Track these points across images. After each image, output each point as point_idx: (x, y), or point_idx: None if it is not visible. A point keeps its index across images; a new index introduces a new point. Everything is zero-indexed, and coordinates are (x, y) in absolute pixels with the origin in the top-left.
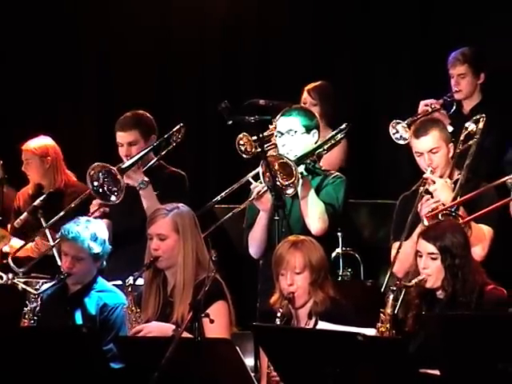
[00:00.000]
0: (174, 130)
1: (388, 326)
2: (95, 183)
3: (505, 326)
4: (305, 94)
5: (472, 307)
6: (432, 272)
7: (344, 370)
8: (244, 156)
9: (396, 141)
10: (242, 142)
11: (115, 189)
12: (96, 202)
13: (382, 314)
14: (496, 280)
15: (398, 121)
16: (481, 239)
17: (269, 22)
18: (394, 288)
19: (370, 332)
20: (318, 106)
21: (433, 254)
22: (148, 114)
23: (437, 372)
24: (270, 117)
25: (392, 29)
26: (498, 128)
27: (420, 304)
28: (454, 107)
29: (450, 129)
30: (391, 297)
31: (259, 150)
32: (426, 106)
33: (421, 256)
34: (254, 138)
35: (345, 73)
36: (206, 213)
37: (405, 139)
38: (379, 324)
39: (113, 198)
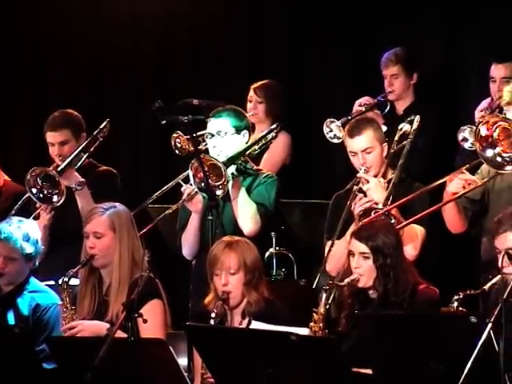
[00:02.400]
0: (102, 126)
1: (321, 325)
2: (34, 190)
3: (436, 325)
4: (251, 92)
5: (404, 306)
6: (364, 271)
7: (277, 369)
8: (178, 153)
9: (330, 140)
10: (178, 141)
11: (56, 191)
12: (44, 207)
13: (314, 314)
14: (429, 279)
15: (332, 120)
16: (413, 239)
17: (203, 21)
18: (327, 287)
19: (304, 332)
20: (263, 104)
21: (365, 253)
22: (76, 113)
23: (369, 371)
24: (204, 116)
25: (324, 29)
26: (431, 128)
27: (353, 303)
28: (388, 107)
29: (384, 128)
30: (324, 296)
31: (192, 149)
32: (360, 105)
33: (353, 255)
34: (188, 136)
35: (278, 72)
36: (140, 212)
37: (338, 138)
38: (312, 323)
39: (54, 198)
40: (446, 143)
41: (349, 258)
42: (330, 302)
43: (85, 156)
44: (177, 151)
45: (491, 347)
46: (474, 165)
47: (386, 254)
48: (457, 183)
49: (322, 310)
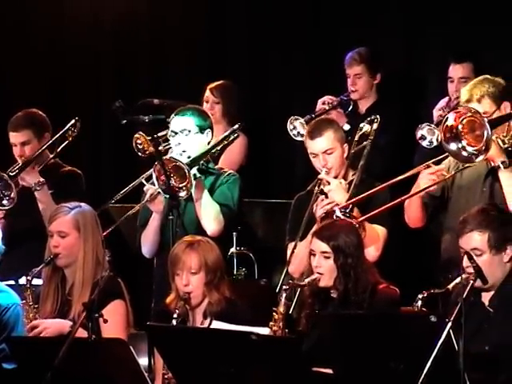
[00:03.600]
0: (69, 125)
1: (281, 324)
2: None
3: (396, 324)
4: (207, 93)
5: (364, 306)
6: (325, 271)
7: (238, 369)
8: (140, 155)
9: (294, 137)
10: (139, 142)
11: (7, 193)
12: None
13: (274, 313)
14: (390, 279)
15: (296, 117)
16: (374, 240)
17: (163, 20)
18: (287, 287)
19: (264, 331)
20: (220, 105)
21: (326, 252)
22: (40, 112)
23: (330, 371)
24: (164, 116)
25: (285, 29)
26: (393, 128)
27: (313, 303)
28: (351, 106)
29: (347, 127)
30: (283, 296)
31: (154, 150)
32: (324, 104)
33: (314, 255)
34: (150, 138)
35: (239, 73)
36: (101, 212)
37: (302, 135)
38: (272, 323)
39: (4, 202)
40: (408, 143)
41: (310, 257)
42: (292, 301)
43: (51, 156)
44: (139, 153)
45: (451, 346)
46: (436, 161)
47: (347, 254)
48: (428, 177)
49: (281, 309)
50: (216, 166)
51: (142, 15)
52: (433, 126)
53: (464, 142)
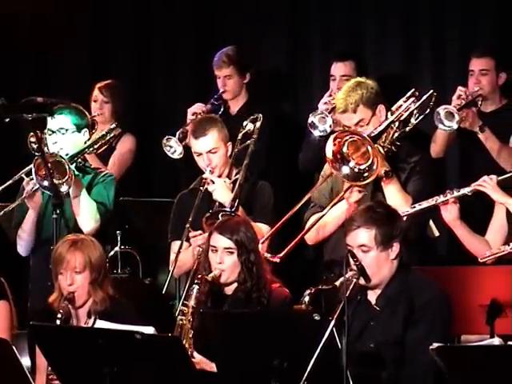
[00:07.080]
0: None
1: (190, 318)
2: None
3: (280, 322)
4: (96, 92)
5: (265, 304)
6: (227, 267)
7: (122, 368)
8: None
9: (171, 155)
10: (32, 140)
11: None
12: None
13: (184, 307)
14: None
15: (168, 137)
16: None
17: (48, 18)
18: (199, 281)
19: (149, 330)
20: (109, 104)
21: (230, 248)
22: None
23: (214, 369)
24: (48, 114)
25: (170, 26)
26: (265, 130)
27: (206, 301)
28: (222, 109)
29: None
30: (195, 290)
31: (37, 145)
32: (194, 114)
33: (216, 251)
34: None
35: (125, 71)
36: None
37: (180, 153)
38: (181, 317)
39: None
40: (288, 143)
41: (207, 253)
42: (202, 296)
43: None
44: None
45: (334, 345)
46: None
47: (250, 250)
48: (356, 194)
49: (192, 303)
50: (93, 166)
51: (25, 12)
52: (325, 113)
53: (352, 163)
